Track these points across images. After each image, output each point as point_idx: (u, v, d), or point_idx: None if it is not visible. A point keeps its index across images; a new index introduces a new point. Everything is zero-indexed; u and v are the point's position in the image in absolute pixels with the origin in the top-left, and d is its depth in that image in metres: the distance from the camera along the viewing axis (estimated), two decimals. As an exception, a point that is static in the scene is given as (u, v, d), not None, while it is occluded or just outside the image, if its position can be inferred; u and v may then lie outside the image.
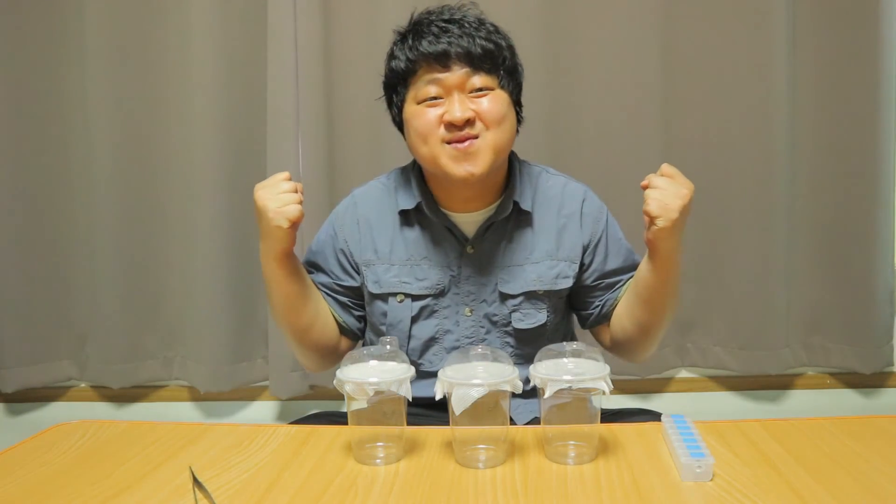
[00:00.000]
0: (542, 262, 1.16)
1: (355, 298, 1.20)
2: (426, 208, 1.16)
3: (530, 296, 1.15)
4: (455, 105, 1.06)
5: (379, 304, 1.17)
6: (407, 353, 1.14)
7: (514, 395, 1.14)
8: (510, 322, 1.15)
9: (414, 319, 1.16)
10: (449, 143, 1.07)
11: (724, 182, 1.79)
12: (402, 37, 1.12)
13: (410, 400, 0.86)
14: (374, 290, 1.16)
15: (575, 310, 1.24)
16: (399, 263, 1.16)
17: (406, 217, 1.18)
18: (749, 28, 1.74)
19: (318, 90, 1.74)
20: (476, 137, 1.07)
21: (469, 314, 1.16)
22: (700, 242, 1.82)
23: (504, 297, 1.15)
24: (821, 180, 1.81)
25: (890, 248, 1.82)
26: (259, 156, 1.79)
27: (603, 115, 1.77)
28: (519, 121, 1.16)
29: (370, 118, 1.75)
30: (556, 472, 0.83)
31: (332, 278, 1.19)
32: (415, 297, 1.15)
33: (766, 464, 0.83)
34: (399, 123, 1.17)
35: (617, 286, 1.19)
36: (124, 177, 1.82)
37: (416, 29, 1.10)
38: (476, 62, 1.06)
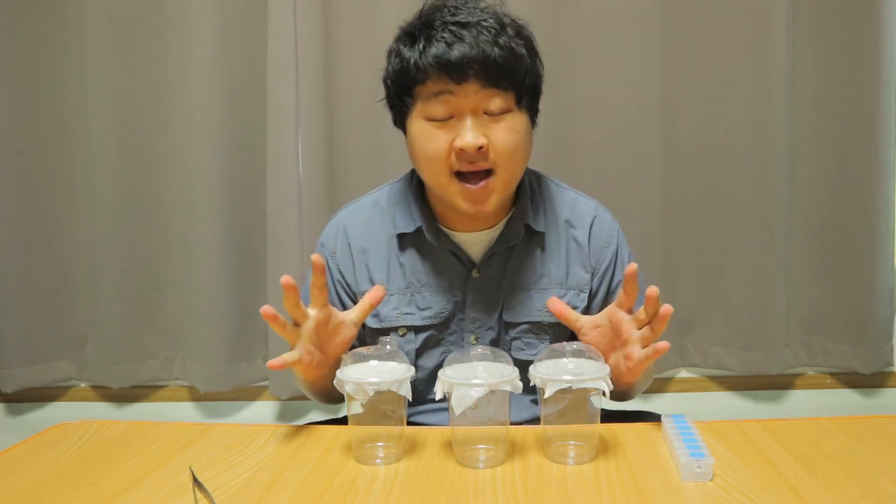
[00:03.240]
0: (549, 290, 1.09)
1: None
2: (427, 232, 1.08)
3: (535, 326, 1.10)
4: (467, 132, 0.96)
5: (379, 338, 1.10)
6: (414, 385, 1.10)
7: (525, 423, 1.13)
8: (510, 350, 1.09)
9: (419, 352, 1.10)
10: (459, 173, 0.99)
11: (724, 182, 1.79)
12: (410, 36, 1.00)
13: (410, 399, 0.86)
14: (374, 324, 1.10)
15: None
16: (398, 293, 1.09)
17: (402, 240, 1.10)
18: (749, 28, 1.74)
19: (318, 90, 1.74)
20: (488, 172, 0.99)
21: (474, 342, 1.10)
22: (700, 242, 1.82)
23: (507, 326, 1.09)
24: (821, 180, 1.81)
25: (890, 248, 1.82)
26: (259, 155, 1.78)
27: (602, 116, 1.77)
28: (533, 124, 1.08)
29: (370, 118, 1.75)
30: (556, 472, 0.82)
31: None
32: (418, 330, 1.09)
33: (766, 464, 0.83)
34: (401, 126, 1.08)
35: None
36: (124, 176, 1.82)
37: (425, 30, 0.98)
38: (493, 79, 0.96)
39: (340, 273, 1.12)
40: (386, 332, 1.10)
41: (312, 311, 0.94)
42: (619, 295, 0.94)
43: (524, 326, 1.10)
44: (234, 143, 1.79)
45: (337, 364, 0.92)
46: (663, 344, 0.89)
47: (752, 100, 1.75)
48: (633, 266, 0.92)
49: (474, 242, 1.10)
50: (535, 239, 1.11)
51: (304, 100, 1.74)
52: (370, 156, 1.77)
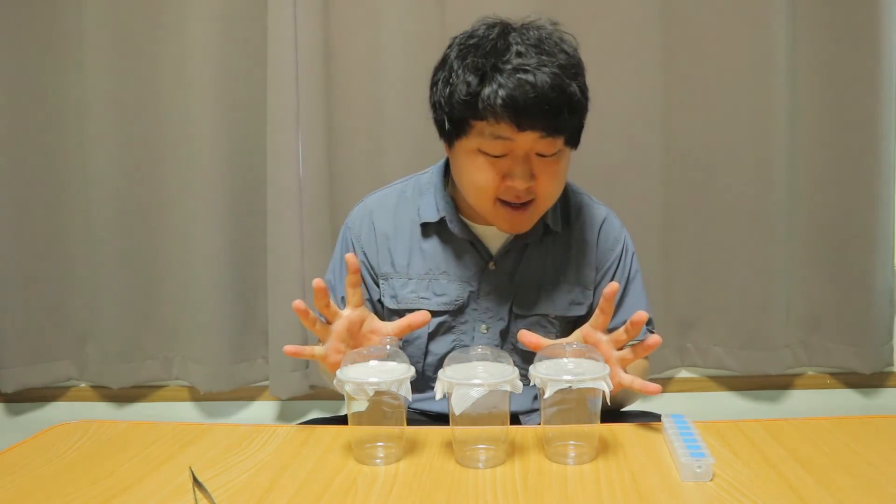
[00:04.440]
0: (559, 286, 1.14)
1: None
2: (450, 223, 1.13)
3: (542, 318, 1.14)
4: (518, 175, 1.01)
5: (395, 320, 1.13)
6: (423, 370, 1.14)
7: (523, 413, 1.14)
8: (517, 341, 1.12)
9: (431, 336, 1.14)
10: (502, 200, 1.04)
11: (724, 182, 1.79)
12: (478, 70, 0.99)
13: (410, 399, 0.86)
14: (391, 305, 1.15)
15: None
16: (417, 278, 1.14)
17: (426, 229, 1.15)
18: (749, 28, 1.74)
19: (318, 90, 1.74)
20: (531, 201, 1.04)
21: (485, 331, 1.14)
22: (700, 242, 1.82)
23: (516, 317, 1.14)
24: (821, 180, 1.81)
25: (890, 248, 1.82)
26: (259, 156, 1.79)
27: (603, 116, 1.76)
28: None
29: (370, 118, 1.75)
30: (556, 472, 0.82)
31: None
32: (433, 314, 1.12)
33: (766, 464, 0.83)
34: (446, 141, 1.10)
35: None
36: (124, 176, 1.82)
37: (496, 72, 0.98)
38: (553, 130, 1.00)
39: (364, 254, 1.17)
40: (402, 313, 1.13)
41: (347, 311, 0.98)
42: (595, 315, 0.96)
43: (532, 319, 1.14)
44: (234, 142, 1.79)
45: None
46: (654, 387, 0.92)
47: (752, 100, 1.75)
48: (613, 285, 0.94)
49: (493, 236, 1.14)
50: (549, 237, 1.16)
51: (304, 100, 1.74)
52: (370, 156, 1.77)
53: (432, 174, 1.19)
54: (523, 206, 1.05)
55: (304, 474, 0.84)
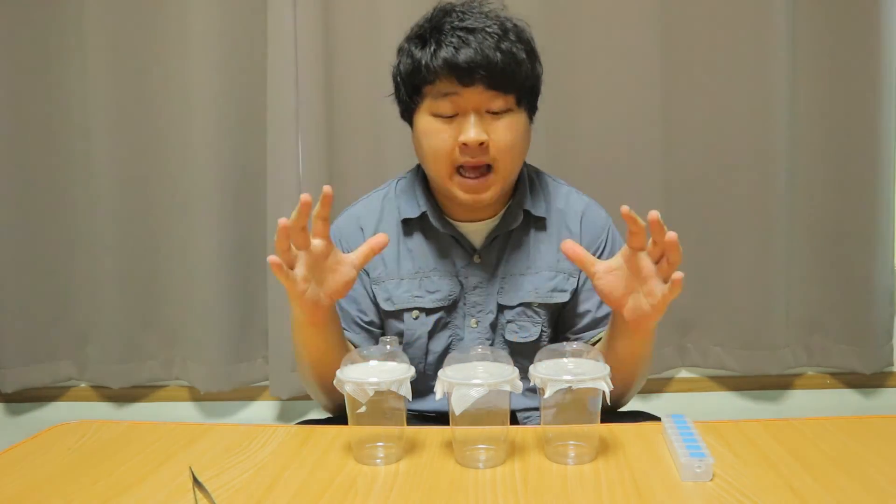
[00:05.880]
0: (541, 273, 1.15)
1: (380, 327, 1.17)
2: (432, 218, 1.14)
3: (526, 307, 1.14)
4: (471, 128, 1.03)
5: (394, 322, 1.15)
6: (424, 370, 1.13)
7: (522, 410, 1.15)
8: (505, 333, 1.14)
9: (430, 334, 1.14)
10: (461, 167, 1.05)
11: (725, 182, 1.79)
12: (421, 38, 1.06)
13: (410, 399, 0.86)
14: (388, 307, 1.14)
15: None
16: (408, 277, 1.14)
17: (409, 226, 1.16)
18: (749, 28, 1.74)
19: (318, 90, 1.74)
20: (488, 168, 1.05)
21: (475, 325, 1.14)
22: (700, 242, 1.82)
23: (501, 308, 1.14)
24: (821, 180, 1.81)
25: (890, 248, 1.82)
26: (259, 156, 1.79)
27: (602, 116, 1.77)
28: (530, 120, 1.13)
29: (370, 118, 1.75)
30: (556, 472, 0.82)
31: (358, 311, 1.15)
32: (429, 311, 1.14)
33: (766, 464, 0.83)
34: (407, 119, 1.14)
35: (602, 324, 1.14)
36: (124, 176, 1.82)
37: (435, 34, 1.04)
38: (496, 82, 1.02)
39: None
40: (399, 314, 1.14)
41: (314, 241, 0.95)
42: (628, 238, 0.93)
43: (518, 308, 1.14)
44: (234, 143, 1.79)
45: (335, 327, 1.02)
46: (678, 274, 0.87)
47: (752, 100, 1.75)
48: (624, 207, 0.90)
49: (475, 231, 1.15)
50: (532, 225, 1.16)
51: (304, 100, 1.74)
52: (370, 156, 1.77)
53: (410, 175, 1.20)
54: (481, 175, 1.05)
55: (304, 474, 0.84)
